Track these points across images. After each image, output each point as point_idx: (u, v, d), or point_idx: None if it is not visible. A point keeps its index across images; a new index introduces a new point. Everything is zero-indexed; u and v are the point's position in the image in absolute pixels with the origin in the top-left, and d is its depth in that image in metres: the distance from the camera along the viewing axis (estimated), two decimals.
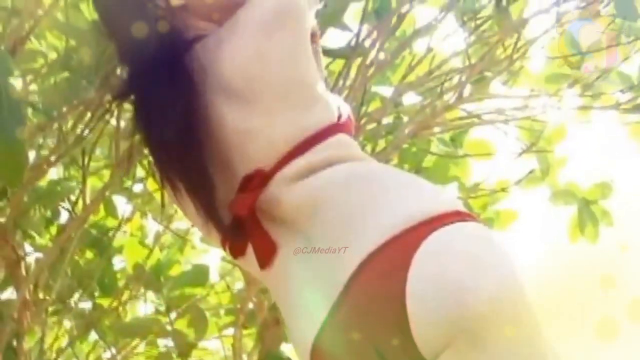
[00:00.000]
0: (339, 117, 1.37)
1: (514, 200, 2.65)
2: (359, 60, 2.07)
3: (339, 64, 2.15)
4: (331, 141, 1.33)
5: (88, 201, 2.14)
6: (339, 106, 1.40)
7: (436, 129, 2.48)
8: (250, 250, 1.35)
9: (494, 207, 2.64)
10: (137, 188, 2.56)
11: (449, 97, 2.44)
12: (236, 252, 1.37)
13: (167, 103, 1.33)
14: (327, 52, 2.01)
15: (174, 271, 2.55)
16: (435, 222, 1.22)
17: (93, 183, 2.39)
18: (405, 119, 2.49)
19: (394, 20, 2.21)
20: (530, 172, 2.55)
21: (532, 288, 1.23)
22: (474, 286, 1.15)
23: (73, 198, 2.33)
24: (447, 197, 1.33)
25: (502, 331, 1.15)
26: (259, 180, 1.31)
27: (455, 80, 2.46)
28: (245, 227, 1.33)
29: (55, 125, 1.88)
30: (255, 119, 1.31)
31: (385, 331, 1.19)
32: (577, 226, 2.72)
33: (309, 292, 1.28)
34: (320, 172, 1.30)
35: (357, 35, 2.04)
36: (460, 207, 1.28)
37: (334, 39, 2.20)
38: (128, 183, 2.46)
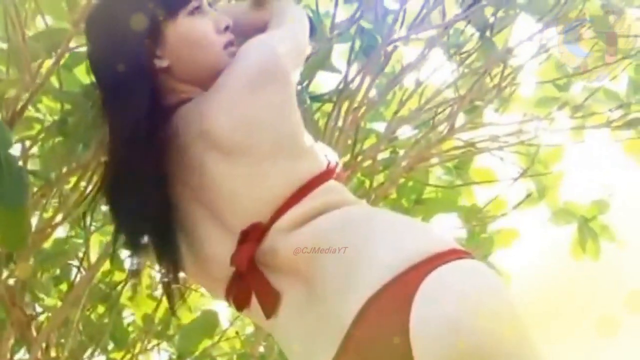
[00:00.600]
0: (328, 164, 1.41)
1: (514, 221, 2.68)
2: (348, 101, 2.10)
3: (329, 105, 2.18)
4: (323, 188, 1.36)
5: (94, 258, 2.16)
6: (326, 154, 1.43)
7: (433, 161, 2.50)
8: (254, 301, 1.38)
9: (494, 226, 2.67)
10: None
11: (443, 128, 2.47)
12: (241, 304, 1.40)
13: (142, 174, 1.38)
14: (314, 98, 2.05)
15: (184, 319, 2.56)
16: (433, 262, 1.24)
17: (98, 239, 2.42)
18: (402, 152, 2.52)
19: (382, 58, 2.25)
20: (528, 195, 2.57)
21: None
22: (472, 327, 1.18)
23: (81, 254, 2.36)
24: (442, 236, 1.34)
25: None
26: (256, 233, 1.34)
27: (447, 111, 2.50)
28: (248, 280, 1.36)
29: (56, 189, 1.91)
30: (248, 174, 1.34)
31: None
32: (579, 244, 2.75)
33: (313, 339, 1.30)
34: (315, 220, 1.33)
35: (345, 77, 2.07)
36: (456, 245, 1.31)
37: (324, 81, 2.24)
38: None
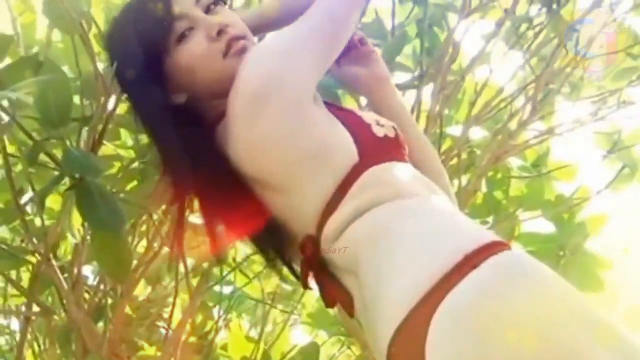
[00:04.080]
0: (362, 142, 1.30)
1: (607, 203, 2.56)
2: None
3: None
4: (357, 187, 1.27)
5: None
6: (358, 131, 1.32)
7: (513, 153, 2.42)
8: None
9: (583, 213, 2.55)
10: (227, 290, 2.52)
11: (519, 116, 2.39)
12: (330, 305, 1.35)
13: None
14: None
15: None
16: (444, 286, 1.12)
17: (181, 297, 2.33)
18: (479, 152, 2.45)
19: (448, 55, 2.19)
20: (621, 169, 2.45)
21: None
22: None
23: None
24: (464, 236, 1.21)
25: None
26: (310, 245, 1.30)
27: (520, 101, 2.42)
28: (323, 287, 1.33)
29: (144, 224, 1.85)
30: (284, 198, 1.30)
31: None
32: None
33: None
34: (353, 224, 1.26)
35: (420, 65, 2.01)
36: (480, 241, 1.17)
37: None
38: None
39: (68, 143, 1.58)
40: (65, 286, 1.67)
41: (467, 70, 2.30)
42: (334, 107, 1.36)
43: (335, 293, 1.30)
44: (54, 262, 1.63)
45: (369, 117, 1.36)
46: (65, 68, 1.79)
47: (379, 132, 1.33)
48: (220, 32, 1.35)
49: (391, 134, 1.35)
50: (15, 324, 2.35)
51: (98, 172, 1.50)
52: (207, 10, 1.38)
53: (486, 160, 2.30)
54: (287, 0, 1.46)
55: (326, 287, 1.31)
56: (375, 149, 1.31)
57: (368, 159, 1.28)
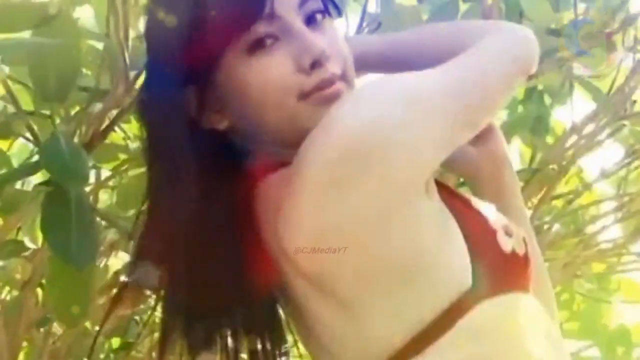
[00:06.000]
0: (482, 259, 0.91)
1: None
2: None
3: None
4: (454, 333, 0.89)
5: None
6: (480, 240, 0.93)
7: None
8: None
9: None
10: None
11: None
12: None
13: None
14: None
15: None
16: None
17: None
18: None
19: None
20: None
21: None
22: None
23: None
24: None
25: None
26: None
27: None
28: None
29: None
30: (344, 318, 0.92)
31: None
32: None
33: None
34: None
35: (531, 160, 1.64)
36: None
37: None
38: None
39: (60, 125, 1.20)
40: None
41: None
42: (448, 194, 0.96)
43: None
44: None
45: (496, 217, 0.96)
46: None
47: (506, 245, 0.94)
48: (314, 65, 0.93)
49: (520, 250, 0.95)
50: None
51: (83, 180, 1.12)
52: (309, 21, 0.95)
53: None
54: (428, 41, 1.04)
55: None
56: (496, 272, 0.93)
57: (482, 286, 0.91)
